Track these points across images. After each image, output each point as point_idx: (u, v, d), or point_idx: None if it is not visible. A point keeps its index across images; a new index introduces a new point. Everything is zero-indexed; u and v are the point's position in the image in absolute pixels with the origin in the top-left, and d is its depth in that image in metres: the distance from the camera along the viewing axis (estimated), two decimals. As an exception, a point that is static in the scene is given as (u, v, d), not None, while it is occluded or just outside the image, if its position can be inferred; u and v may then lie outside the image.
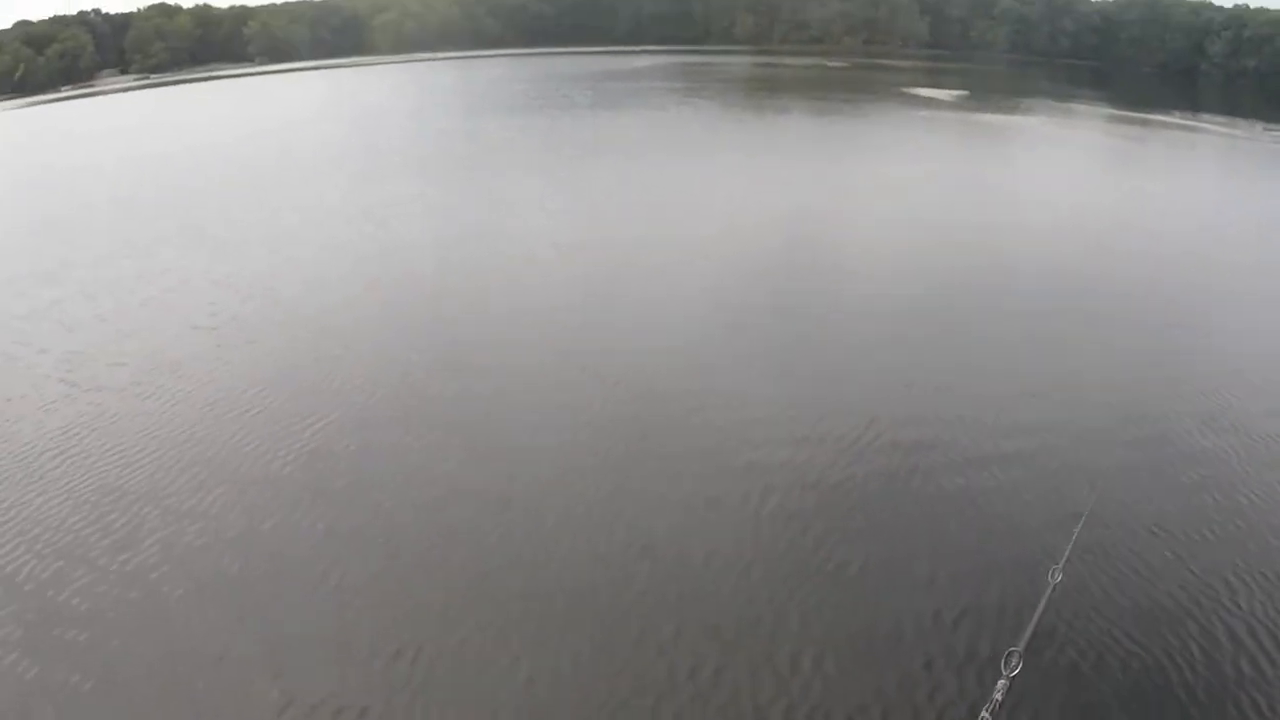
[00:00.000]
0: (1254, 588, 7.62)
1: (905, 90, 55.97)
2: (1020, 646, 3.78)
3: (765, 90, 57.87)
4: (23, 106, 75.15)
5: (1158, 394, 11.31)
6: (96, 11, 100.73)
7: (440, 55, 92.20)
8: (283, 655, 6.79)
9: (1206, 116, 51.12)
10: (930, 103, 49.22)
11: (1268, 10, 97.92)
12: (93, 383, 11.83)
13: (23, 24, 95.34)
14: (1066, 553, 4.55)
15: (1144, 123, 45.86)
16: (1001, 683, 3.65)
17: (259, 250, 18.25)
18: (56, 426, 10.59)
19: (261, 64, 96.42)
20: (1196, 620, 7.19)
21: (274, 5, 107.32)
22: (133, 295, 15.60)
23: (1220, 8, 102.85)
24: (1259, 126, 46.03)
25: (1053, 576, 4.32)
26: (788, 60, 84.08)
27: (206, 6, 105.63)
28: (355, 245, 18.31)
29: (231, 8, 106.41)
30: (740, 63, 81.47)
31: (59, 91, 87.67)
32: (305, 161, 30.95)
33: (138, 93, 79.53)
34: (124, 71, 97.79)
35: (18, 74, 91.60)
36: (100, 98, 77.64)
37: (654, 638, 6.92)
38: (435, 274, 16.39)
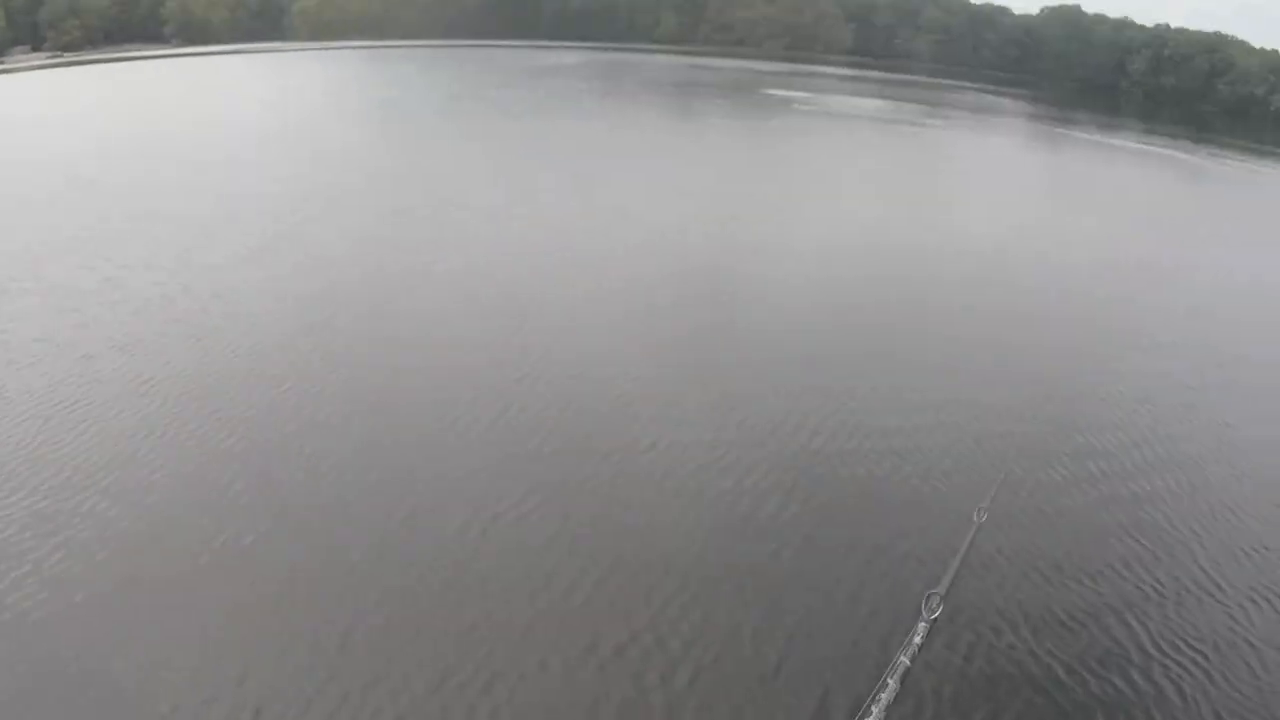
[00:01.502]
0: (1170, 541, 8.22)
1: (827, 96, 58.08)
2: (941, 590, 3.75)
3: (704, 94, 58.97)
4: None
5: (1064, 375, 12.91)
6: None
7: (360, 44, 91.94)
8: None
9: (1124, 132, 55.07)
10: (854, 112, 51.12)
11: (1187, 31, 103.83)
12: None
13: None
14: (991, 495, 4.60)
15: (1063, 138, 49.26)
16: (921, 625, 3.60)
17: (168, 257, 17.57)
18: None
19: (177, 45, 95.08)
20: (1114, 564, 7.55)
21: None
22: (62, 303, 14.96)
23: (1142, 27, 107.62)
24: (1191, 144, 50.56)
25: (978, 516, 4.43)
26: (718, 62, 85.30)
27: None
28: (273, 252, 18.03)
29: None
30: (671, 63, 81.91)
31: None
32: (224, 150, 29.86)
33: (51, 71, 77.68)
34: (36, 49, 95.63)
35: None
36: (12, 75, 75.80)
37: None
38: (340, 282, 16.31)
